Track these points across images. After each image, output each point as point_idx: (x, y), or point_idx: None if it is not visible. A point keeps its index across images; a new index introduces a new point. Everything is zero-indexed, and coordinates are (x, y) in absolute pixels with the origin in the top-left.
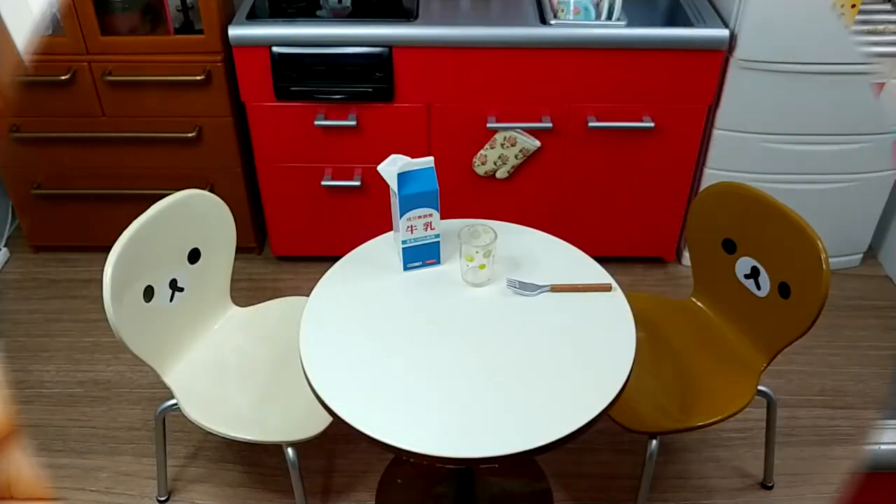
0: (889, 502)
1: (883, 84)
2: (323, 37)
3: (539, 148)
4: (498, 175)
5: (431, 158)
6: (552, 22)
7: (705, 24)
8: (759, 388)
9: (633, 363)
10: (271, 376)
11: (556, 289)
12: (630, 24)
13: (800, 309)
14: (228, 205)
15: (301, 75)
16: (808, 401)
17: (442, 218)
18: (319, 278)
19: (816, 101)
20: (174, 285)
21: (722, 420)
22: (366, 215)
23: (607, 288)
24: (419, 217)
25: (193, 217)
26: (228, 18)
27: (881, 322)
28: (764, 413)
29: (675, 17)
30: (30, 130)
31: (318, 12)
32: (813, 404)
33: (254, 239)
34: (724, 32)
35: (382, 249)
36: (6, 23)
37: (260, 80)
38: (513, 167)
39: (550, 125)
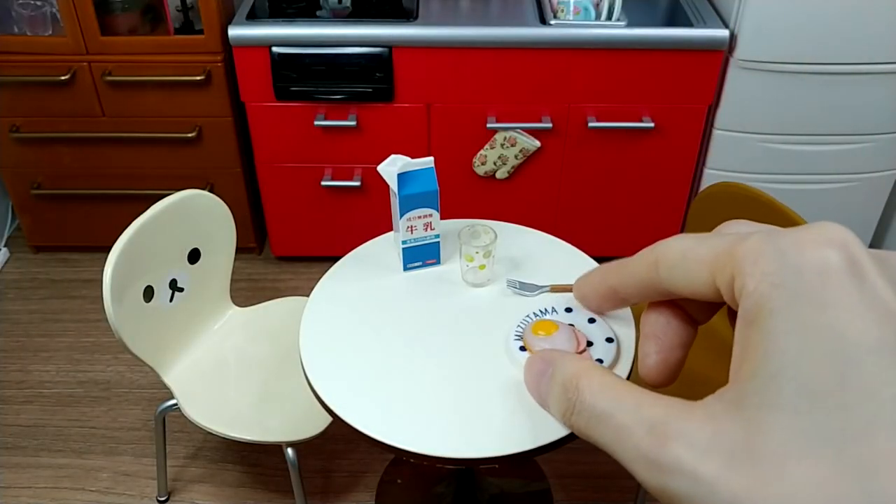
0: None
1: None
2: (323, 37)
3: (539, 148)
4: (498, 175)
5: (431, 158)
6: (552, 22)
7: (705, 24)
8: None
9: (633, 363)
10: (271, 376)
11: (555, 289)
12: (630, 24)
13: None
14: (228, 205)
15: (301, 75)
16: None
17: (442, 218)
18: (319, 278)
19: (816, 101)
20: (174, 285)
21: None
22: (366, 215)
23: None
24: (419, 217)
25: (193, 217)
26: (228, 18)
27: None
28: None
29: (675, 18)
30: (30, 130)
31: (318, 12)
32: None
33: (254, 239)
34: (724, 32)
35: (382, 249)
36: None
37: (260, 80)
38: (513, 167)
39: (550, 125)
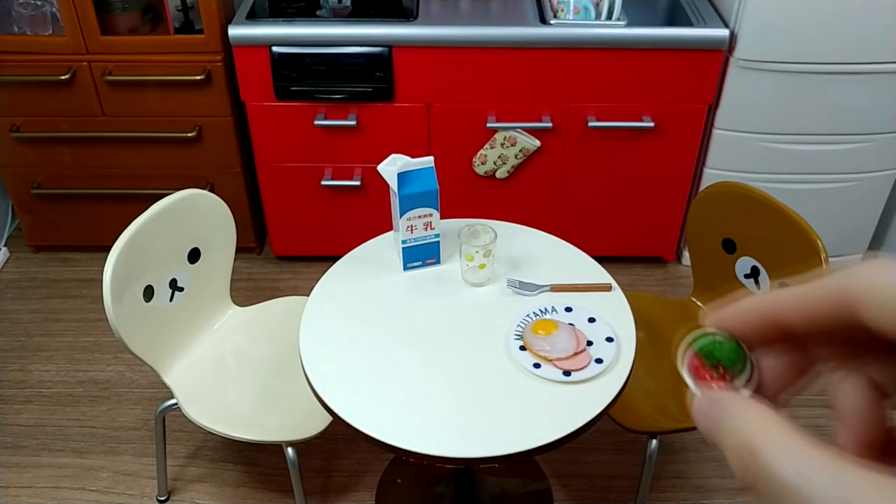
0: None
1: None
2: (323, 37)
3: (539, 148)
4: (498, 175)
5: (431, 158)
6: (552, 22)
7: (705, 24)
8: None
9: (633, 363)
10: (271, 376)
11: (555, 289)
12: (630, 24)
13: None
14: (228, 205)
15: (301, 75)
16: (809, 401)
17: (442, 218)
18: (319, 278)
19: (816, 101)
20: (174, 285)
21: None
22: (366, 215)
23: (607, 288)
24: (419, 217)
25: (193, 217)
26: (228, 18)
27: None
28: None
29: (675, 17)
30: (30, 130)
31: (318, 12)
32: (813, 404)
33: (254, 239)
34: (724, 32)
35: (382, 249)
36: None
37: (260, 80)
38: (513, 167)
39: (550, 125)
